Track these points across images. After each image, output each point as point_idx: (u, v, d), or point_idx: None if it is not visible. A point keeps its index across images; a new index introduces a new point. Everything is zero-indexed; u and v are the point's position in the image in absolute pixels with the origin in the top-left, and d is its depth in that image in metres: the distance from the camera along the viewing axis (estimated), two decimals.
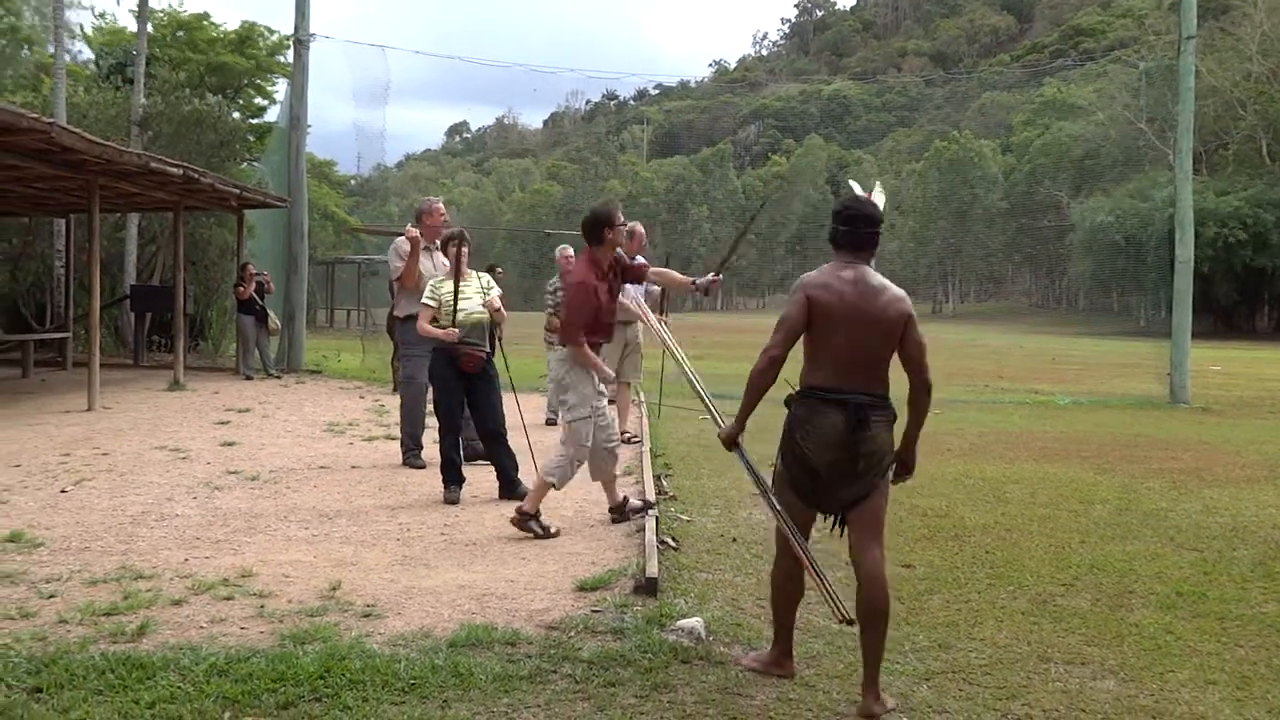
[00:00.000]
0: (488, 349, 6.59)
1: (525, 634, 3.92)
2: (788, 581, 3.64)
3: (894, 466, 3.54)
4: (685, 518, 6.09)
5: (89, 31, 27.01)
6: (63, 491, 6.48)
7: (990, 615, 4.41)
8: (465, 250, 6.59)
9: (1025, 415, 12.54)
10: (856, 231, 3.54)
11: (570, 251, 9.87)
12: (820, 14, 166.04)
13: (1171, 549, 5.64)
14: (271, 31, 28.26)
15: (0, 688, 3.28)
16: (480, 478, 6.88)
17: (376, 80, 18.03)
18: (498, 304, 6.59)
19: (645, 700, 3.37)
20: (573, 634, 3.94)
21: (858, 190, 3.73)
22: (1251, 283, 50.18)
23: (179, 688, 3.30)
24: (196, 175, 12.30)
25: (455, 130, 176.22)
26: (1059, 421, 11.86)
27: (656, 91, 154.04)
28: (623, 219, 5.82)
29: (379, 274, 29.95)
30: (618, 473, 6.09)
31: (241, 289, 14.83)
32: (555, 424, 9.29)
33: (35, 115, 9.11)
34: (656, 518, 5.68)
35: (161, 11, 26.16)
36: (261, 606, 4.22)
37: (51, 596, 4.31)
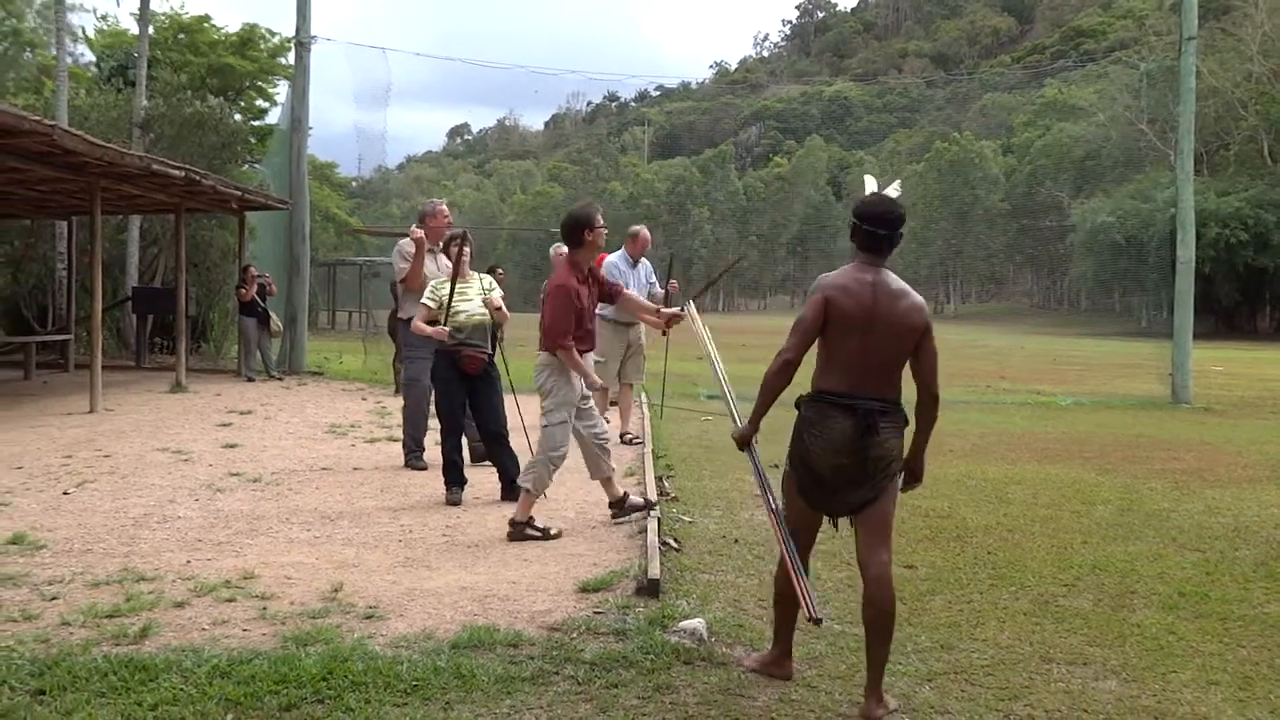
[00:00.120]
0: (489, 350, 6.59)
1: (527, 635, 3.92)
2: (789, 582, 3.62)
3: (903, 474, 3.53)
4: (687, 519, 6.09)
5: (90, 34, 27.06)
6: (65, 493, 6.48)
7: (992, 616, 4.40)
8: (467, 250, 6.59)
9: (1027, 416, 12.53)
10: (880, 233, 3.46)
11: (565, 249, 9.87)
12: (821, 15, 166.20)
13: (1174, 549, 5.64)
14: (272, 34, 28.30)
15: (3, 690, 3.28)
16: (482, 479, 6.88)
17: (377, 82, 17.99)
18: (499, 302, 6.59)
19: (647, 701, 3.37)
20: (575, 635, 3.93)
21: (872, 185, 3.66)
22: (1253, 283, 50.16)
23: (181, 690, 3.30)
24: (198, 177, 12.31)
25: (456, 132, 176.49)
26: (1061, 422, 11.85)
27: (658, 93, 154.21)
28: (601, 221, 5.80)
29: (380, 276, 29.94)
30: (615, 467, 6.09)
31: (243, 291, 14.84)
32: None
33: (37, 118, 9.13)
34: (659, 519, 5.68)
35: (163, 14, 26.20)
36: (264, 608, 4.22)
37: (54, 599, 4.31)
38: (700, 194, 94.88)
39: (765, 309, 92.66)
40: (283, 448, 8.65)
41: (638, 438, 9.10)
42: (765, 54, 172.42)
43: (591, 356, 7.13)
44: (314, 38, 16.24)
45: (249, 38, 27.95)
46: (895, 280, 3.45)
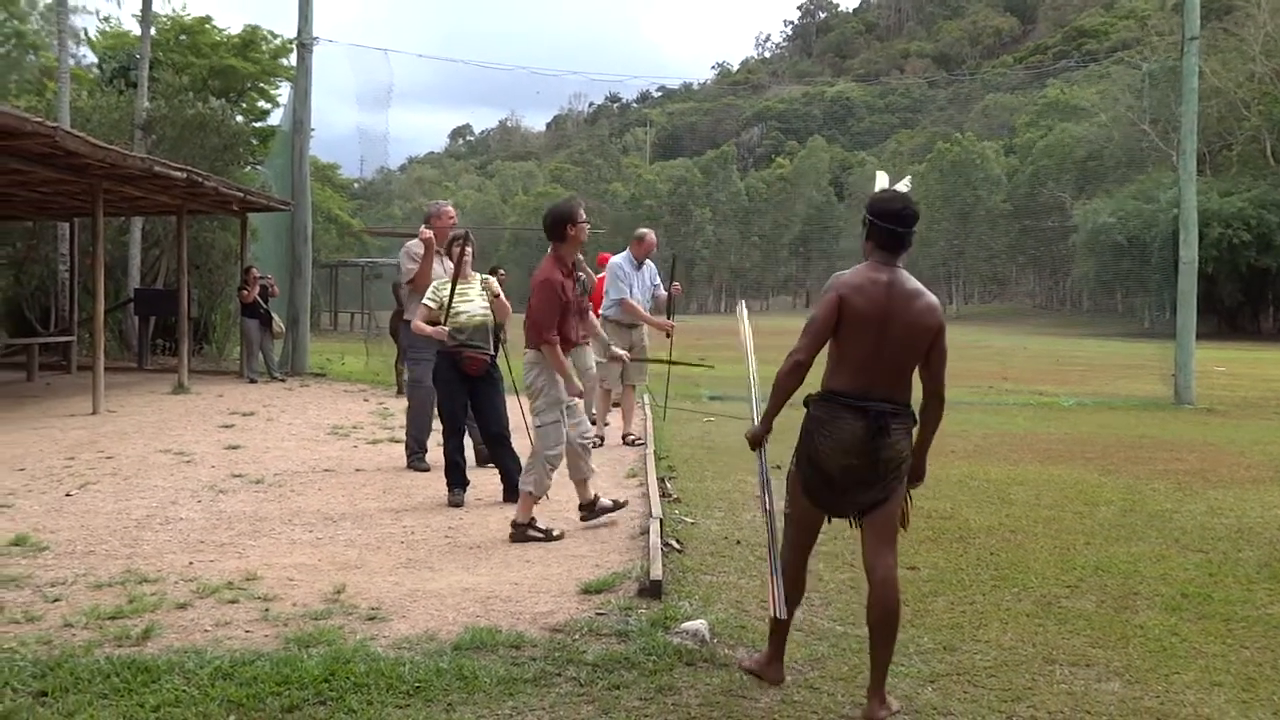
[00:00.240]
0: (491, 352, 6.59)
1: (530, 637, 3.92)
2: (792, 582, 3.61)
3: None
4: (689, 520, 6.09)
5: (93, 36, 27.06)
6: (67, 495, 6.49)
7: (995, 617, 4.40)
8: (469, 251, 6.59)
9: (1030, 417, 12.52)
10: (900, 231, 3.40)
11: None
12: (823, 16, 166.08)
13: (1176, 550, 5.63)
14: (274, 35, 28.28)
15: (6, 691, 3.29)
16: (484, 481, 6.88)
17: (379, 83, 18.02)
18: (497, 288, 6.59)
19: (650, 703, 3.37)
20: (577, 637, 3.93)
21: (884, 181, 3.63)
22: (1256, 283, 50.07)
23: (184, 691, 3.31)
24: (200, 179, 12.32)
25: (458, 133, 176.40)
26: (1063, 423, 11.84)
27: (659, 94, 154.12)
28: (584, 216, 5.81)
29: (382, 277, 29.96)
30: (594, 469, 6.05)
31: (245, 292, 14.86)
32: None
33: (39, 119, 9.14)
34: (661, 520, 5.67)
35: (165, 16, 26.19)
36: (266, 610, 4.23)
37: (56, 600, 4.31)
38: (702, 195, 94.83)
39: (767, 309, 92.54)
40: (285, 449, 8.65)
41: (640, 439, 9.10)
42: (767, 54, 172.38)
43: (591, 354, 7.15)
44: (316, 39, 16.27)
45: (251, 39, 27.96)
46: (910, 280, 3.40)
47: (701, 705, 3.37)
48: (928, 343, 3.38)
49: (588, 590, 4.56)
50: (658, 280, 9.54)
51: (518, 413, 7.02)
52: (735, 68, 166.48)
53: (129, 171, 10.97)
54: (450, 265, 7.18)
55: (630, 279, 9.24)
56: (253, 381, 14.58)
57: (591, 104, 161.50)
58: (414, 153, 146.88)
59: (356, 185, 53.96)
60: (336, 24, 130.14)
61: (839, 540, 5.27)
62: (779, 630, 3.58)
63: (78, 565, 4.87)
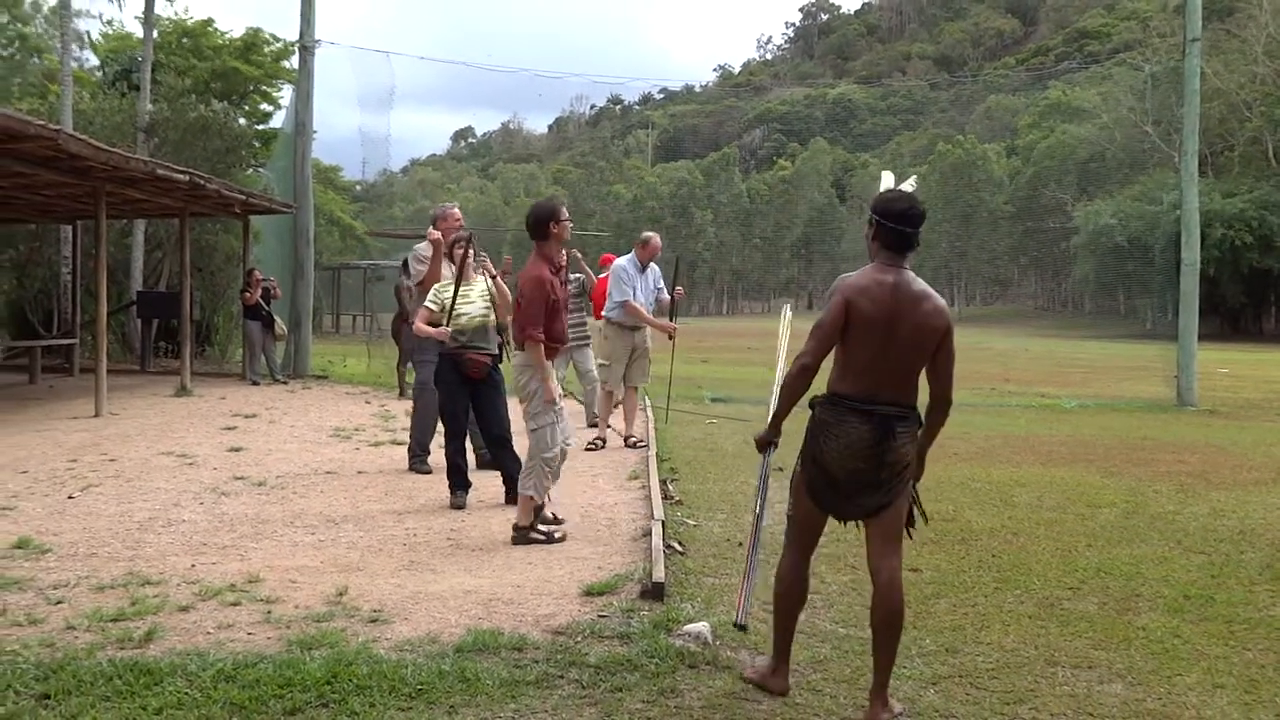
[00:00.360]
0: (494, 353, 6.59)
1: (532, 639, 3.92)
2: (794, 584, 3.60)
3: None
4: (692, 522, 6.09)
5: (95, 39, 27.10)
6: (70, 497, 6.49)
7: (997, 619, 4.40)
8: (471, 253, 6.59)
9: (1032, 419, 12.52)
10: (904, 230, 3.37)
11: (579, 254, 9.91)
12: (825, 18, 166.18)
13: (1179, 552, 5.63)
14: (276, 38, 28.34)
15: (8, 694, 3.29)
16: (486, 483, 6.88)
17: (381, 86, 18.06)
18: (493, 269, 6.58)
19: (652, 705, 3.37)
20: (579, 639, 3.93)
21: (889, 181, 3.61)
22: (1258, 284, 50.08)
23: (186, 693, 3.31)
24: (202, 181, 12.33)
25: (460, 135, 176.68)
26: (1065, 425, 11.83)
27: (661, 96, 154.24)
28: (566, 215, 5.82)
29: (384, 279, 29.99)
30: (553, 484, 5.85)
31: (248, 295, 14.87)
32: None
33: (42, 122, 9.15)
34: (663, 522, 5.67)
35: (167, 19, 26.23)
36: (268, 612, 4.23)
37: (59, 602, 4.32)
38: (704, 197, 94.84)
39: (769, 312, 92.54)
40: (287, 451, 8.66)
41: (642, 441, 9.10)
42: (769, 56, 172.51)
43: (592, 355, 7.20)
44: (318, 42, 16.29)
45: (253, 42, 28.01)
46: (917, 281, 3.37)
47: (704, 707, 3.37)
48: (935, 345, 3.36)
49: (590, 592, 4.56)
50: (662, 284, 9.55)
51: (519, 416, 7.02)
52: (737, 70, 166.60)
53: (131, 174, 10.98)
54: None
55: (634, 281, 9.24)
56: (255, 384, 14.60)
57: (593, 106, 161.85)
58: (416, 155, 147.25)
59: (358, 187, 54.07)
60: (338, 26, 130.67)
61: (841, 542, 5.27)
62: (784, 635, 3.57)
63: (80, 567, 4.87)
